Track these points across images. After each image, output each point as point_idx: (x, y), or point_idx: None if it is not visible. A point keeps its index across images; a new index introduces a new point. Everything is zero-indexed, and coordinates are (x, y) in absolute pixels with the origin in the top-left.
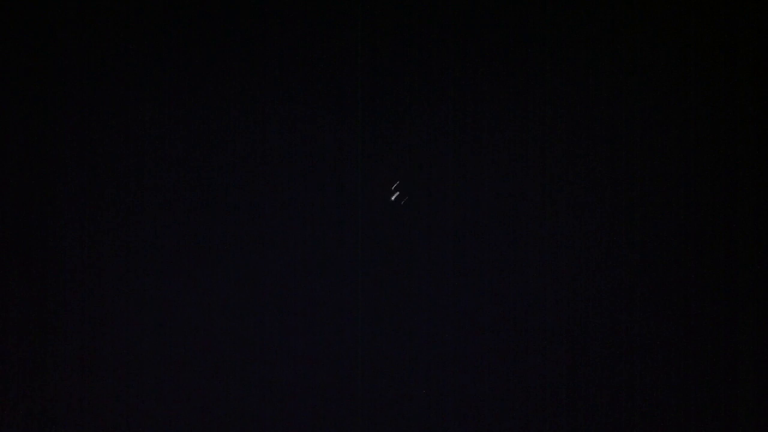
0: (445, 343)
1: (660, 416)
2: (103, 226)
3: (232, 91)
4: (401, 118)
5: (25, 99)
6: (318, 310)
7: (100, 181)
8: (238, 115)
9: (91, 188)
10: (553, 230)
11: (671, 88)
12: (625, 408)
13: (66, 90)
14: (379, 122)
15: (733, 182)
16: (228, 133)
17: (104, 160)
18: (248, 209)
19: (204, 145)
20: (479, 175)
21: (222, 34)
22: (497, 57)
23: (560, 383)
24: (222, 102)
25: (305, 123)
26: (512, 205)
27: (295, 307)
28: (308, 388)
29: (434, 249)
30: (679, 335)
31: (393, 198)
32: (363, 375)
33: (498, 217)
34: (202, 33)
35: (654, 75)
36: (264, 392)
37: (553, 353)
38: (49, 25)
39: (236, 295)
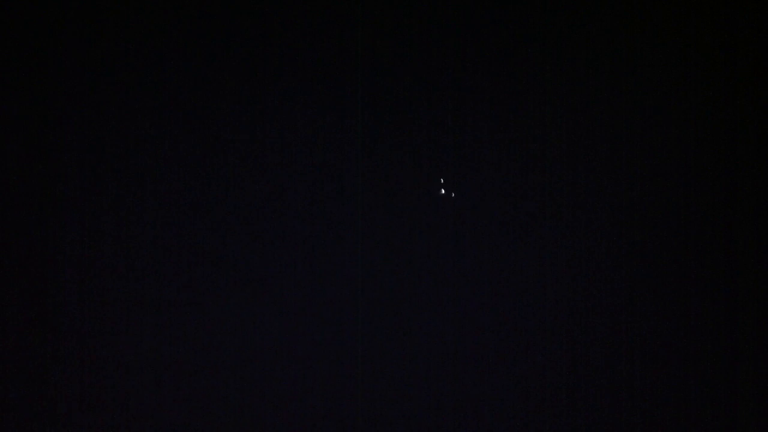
0: (445, 343)
1: (660, 416)
2: (103, 226)
3: (232, 91)
4: (401, 118)
5: (25, 99)
6: (318, 310)
7: (100, 181)
8: (237, 114)
9: (91, 188)
10: (553, 230)
11: (671, 88)
12: (625, 408)
13: (66, 90)
14: (379, 122)
15: (733, 182)
16: (228, 132)
17: (104, 160)
18: (248, 209)
19: (204, 145)
20: (479, 175)
21: (222, 34)
22: (497, 57)
23: (560, 383)
24: (222, 102)
25: (305, 123)
26: (512, 205)
27: (295, 307)
28: (308, 388)
29: (434, 249)
30: (679, 335)
31: (443, 191)
32: (363, 375)
33: (498, 217)
34: (202, 33)
35: (654, 75)
36: (264, 392)
37: (553, 353)
38: (49, 25)
39: (236, 294)
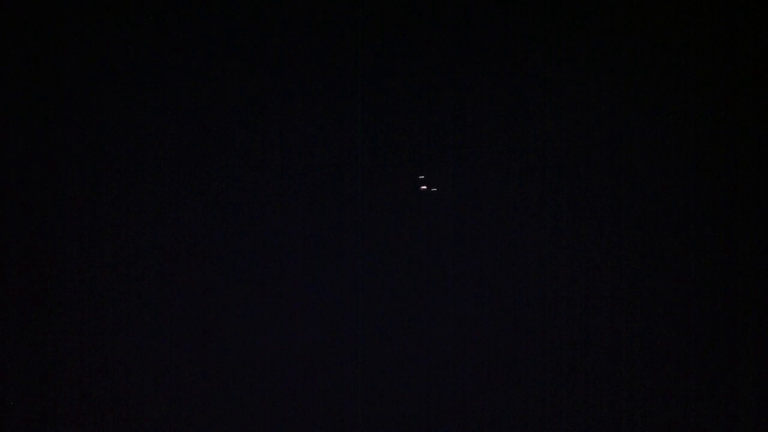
0: (445, 343)
1: (660, 416)
2: (103, 226)
3: (232, 91)
4: (401, 118)
5: (25, 99)
6: (318, 310)
7: (100, 181)
8: (238, 115)
9: (91, 188)
10: (554, 230)
11: (671, 88)
12: (625, 408)
13: (66, 90)
14: (379, 122)
15: (733, 182)
16: (228, 133)
17: (104, 160)
18: (248, 209)
19: (204, 145)
20: (479, 175)
21: (222, 34)
22: (497, 57)
23: (560, 383)
24: (222, 102)
25: (305, 123)
26: (512, 205)
27: (295, 307)
28: (308, 388)
29: (434, 249)
30: (679, 335)
31: (423, 187)
32: (363, 375)
33: (498, 217)
34: (201, 33)
35: (654, 75)
36: (264, 392)
37: (553, 353)
38: (49, 25)
39: (236, 294)
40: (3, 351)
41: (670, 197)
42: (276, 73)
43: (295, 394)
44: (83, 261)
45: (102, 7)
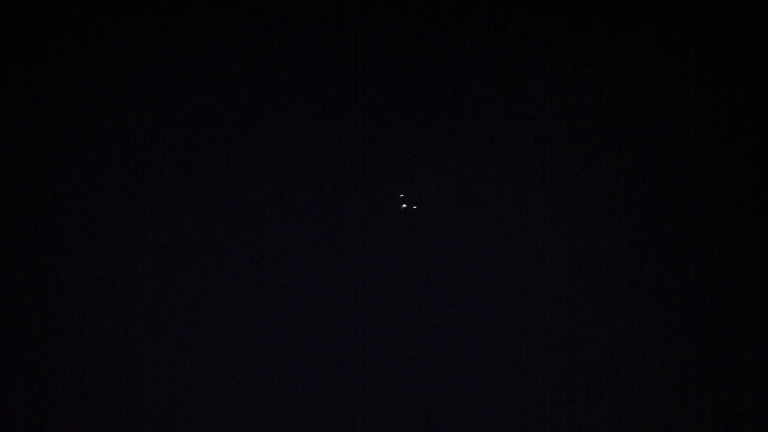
0: (445, 343)
1: (660, 416)
2: (103, 226)
3: (232, 91)
4: (401, 118)
5: (25, 99)
6: (318, 310)
7: (100, 181)
8: (237, 115)
9: (91, 188)
10: (554, 230)
11: (671, 88)
12: (625, 408)
13: (66, 90)
14: (379, 122)
15: (733, 182)
16: (228, 133)
17: (104, 160)
18: (248, 209)
19: (204, 145)
20: (479, 175)
21: (222, 34)
22: (497, 57)
23: (560, 383)
24: (222, 102)
25: (305, 123)
26: (512, 205)
27: (295, 307)
28: (308, 388)
29: (434, 249)
30: (679, 335)
31: (404, 205)
32: (363, 375)
33: (498, 217)
34: (201, 33)
35: (654, 75)
36: (264, 392)
37: (553, 353)
38: (49, 25)
39: (236, 294)
40: (3, 351)
41: (671, 197)
42: (276, 73)
43: (295, 393)
44: (83, 261)
45: (102, 7)
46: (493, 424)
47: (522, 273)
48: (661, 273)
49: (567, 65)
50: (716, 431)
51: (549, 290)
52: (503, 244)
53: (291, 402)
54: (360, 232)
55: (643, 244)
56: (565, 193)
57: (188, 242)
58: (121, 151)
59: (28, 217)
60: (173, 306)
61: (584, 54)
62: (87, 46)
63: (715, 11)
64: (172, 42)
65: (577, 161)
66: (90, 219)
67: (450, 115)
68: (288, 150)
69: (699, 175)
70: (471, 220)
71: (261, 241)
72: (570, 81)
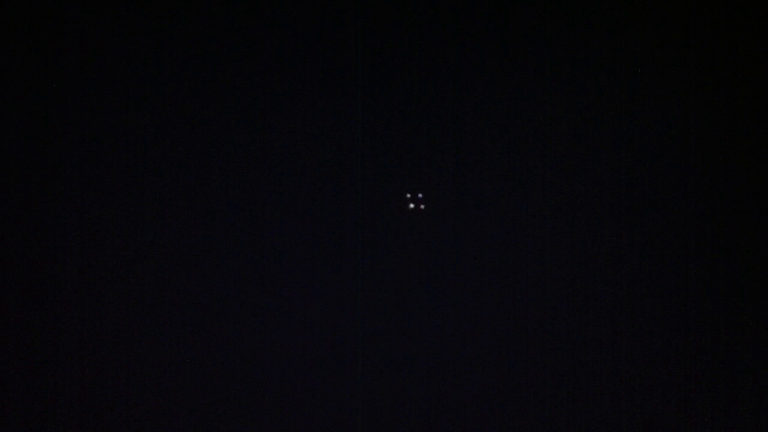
0: (445, 343)
1: (660, 416)
2: (103, 226)
3: (232, 91)
4: (401, 118)
5: (25, 99)
6: (318, 310)
7: (100, 181)
8: (238, 114)
9: (91, 188)
10: (554, 230)
11: (671, 88)
12: (625, 408)
13: (66, 90)
14: (379, 122)
15: (733, 182)
16: (228, 133)
17: (104, 160)
18: (248, 209)
19: (204, 145)
20: (479, 175)
21: (222, 34)
22: (497, 57)
23: (560, 383)
24: (222, 102)
25: (305, 123)
26: (512, 205)
27: (295, 307)
28: (308, 388)
29: (434, 249)
30: (679, 335)
31: (411, 205)
32: (363, 375)
33: (498, 217)
34: (201, 33)
35: (654, 75)
36: (264, 392)
37: (553, 353)
38: (49, 25)
39: (236, 295)
40: (3, 351)
41: (671, 197)
42: (276, 73)
43: (296, 393)
44: (83, 261)
45: (102, 7)
46: (493, 424)
47: (522, 273)
48: (661, 273)
49: (567, 65)
50: (716, 431)
51: (549, 290)
52: (503, 244)
53: (291, 402)
54: (360, 232)
55: (643, 244)
56: (565, 193)
57: (188, 242)
58: (121, 151)
59: (28, 217)
60: (173, 306)
61: (584, 54)
62: (87, 46)
63: (715, 11)
64: (172, 42)
65: (577, 161)
66: (90, 219)
67: (450, 115)
68: (288, 150)
69: (699, 175)
70: (471, 220)
71: (261, 241)
72: (570, 81)
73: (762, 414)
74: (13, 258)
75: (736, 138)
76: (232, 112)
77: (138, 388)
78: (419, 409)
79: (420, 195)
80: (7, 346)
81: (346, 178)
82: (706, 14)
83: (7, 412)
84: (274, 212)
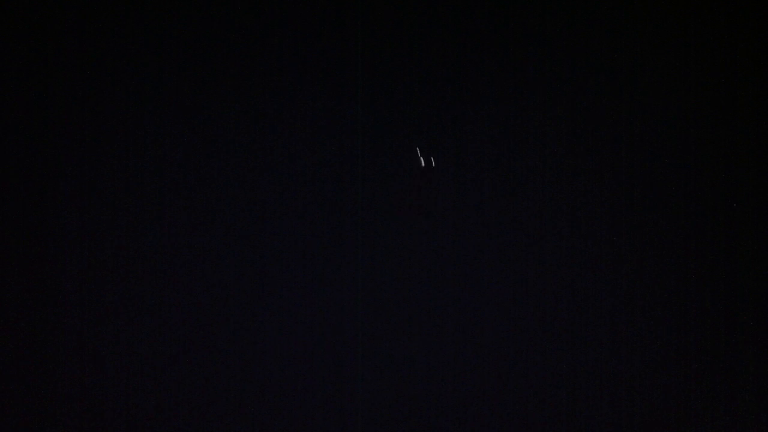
0: (445, 343)
1: (660, 416)
2: (103, 226)
3: (232, 91)
4: (401, 118)
5: (25, 99)
6: (318, 310)
7: (100, 181)
8: (237, 114)
9: (91, 188)
10: (554, 230)
11: (671, 88)
12: (625, 408)
13: (66, 90)
14: (379, 121)
15: (733, 182)
16: (228, 132)
17: (104, 160)
18: (248, 209)
19: (204, 145)
20: (479, 175)
21: (222, 34)
22: (497, 57)
23: (560, 383)
24: (221, 102)
25: (305, 122)
26: (512, 205)
27: (295, 307)
28: (308, 388)
29: (434, 249)
30: (679, 335)
31: (423, 164)
32: (363, 375)
33: (498, 217)
34: (201, 33)
35: (654, 75)
36: (264, 392)
37: (553, 353)
38: (49, 25)
39: (236, 294)
40: (3, 351)
41: (671, 197)
42: (276, 73)
43: (295, 393)
44: (83, 261)
45: (102, 7)
46: (493, 424)
47: (522, 273)
48: (661, 273)
49: (567, 65)
50: (716, 431)
51: (549, 290)
52: (503, 244)
53: (291, 402)
54: (360, 232)
55: (643, 244)
56: (565, 193)
57: (188, 242)
58: (121, 151)
59: (28, 217)
60: (173, 306)
61: (584, 54)
62: (87, 46)
63: (715, 11)
64: (172, 42)
65: (577, 161)
66: (90, 219)
67: (450, 115)
68: (288, 150)
69: (699, 175)
70: (471, 220)
71: (261, 241)
72: (570, 81)
73: (762, 414)
74: (13, 258)
75: (736, 138)
76: (232, 112)
77: (138, 388)
78: (419, 409)
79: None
80: (7, 346)
81: (346, 178)
82: (706, 14)
83: (7, 412)
84: (274, 212)
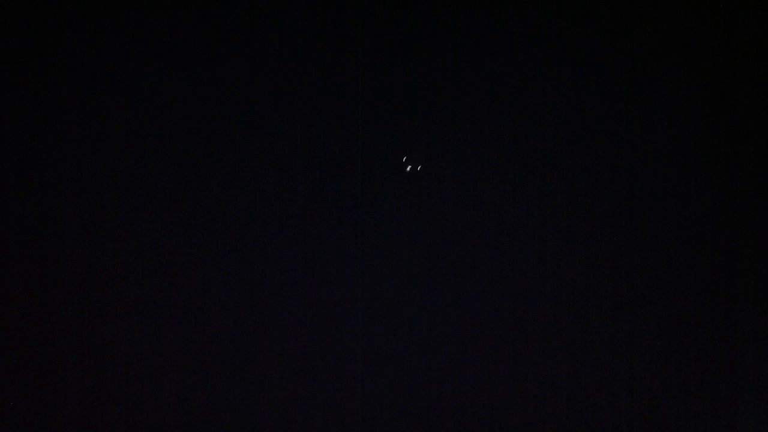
0: (445, 343)
1: (660, 416)
2: (103, 226)
3: (232, 91)
4: (401, 118)
5: (25, 99)
6: (318, 310)
7: (100, 181)
8: (237, 114)
9: (91, 188)
10: (554, 230)
11: (671, 88)
12: (625, 408)
13: (66, 90)
14: (379, 122)
15: (734, 182)
16: (228, 132)
17: (104, 160)
18: (248, 209)
19: (204, 145)
20: (479, 175)
21: (221, 34)
22: (497, 57)
23: (560, 383)
24: (221, 102)
25: (305, 123)
26: (512, 205)
27: (295, 307)
28: (308, 388)
29: (434, 249)
30: (679, 335)
31: (408, 168)
32: (363, 375)
33: (498, 217)
34: (201, 33)
35: (654, 75)
36: (264, 392)
37: (553, 353)
38: (49, 25)
39: (236, 295)
40: (3, 351)
41: (671, 197)
42: (276, 73)
43: (295, 393)
44: (83, 261)
45: (102, 7)
46: (493, 424)
47: (522, 273)
48: (662, 273)
49: (567, 65)
50: (716, 431)
51: (549, 290)
52: (503, 244)
53: (291, 402)
54: (360, 232)
55: (644, 244)
56: (565, 192)
57: (188, 242)
58: (121, 151)
59: (28, 217)
60: (173, 306)
61: (584, 54)
62: (87, 46)
63: (715, 11)
64: (172, 42)
65: (577, 161)
66: (90, 219)
67: (450, 115)
68: (288, 150)
69: (699, 175)
70: (471, 220)
71: (261, 240)
72: (570, 81)
73: (762, 414)
74: (13, 258)
75: (736, 138)
76: (232, 112)
77: (138, 388)
78: (419, 409)
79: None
80: (7, 346)
81: (346, 178)
82: (707, 14)
83: (7, 412)
84: (274, 212)
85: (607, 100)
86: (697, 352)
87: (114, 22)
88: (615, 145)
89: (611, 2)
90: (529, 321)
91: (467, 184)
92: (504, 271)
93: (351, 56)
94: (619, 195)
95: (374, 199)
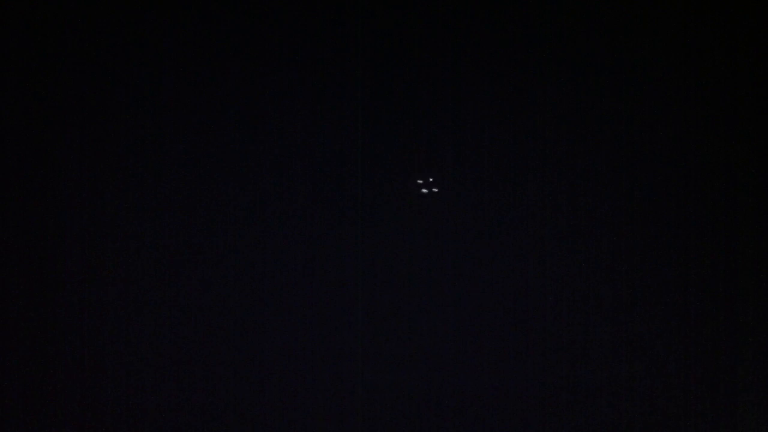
0: (445, 343)
1: (660, 416)
2: (103, 226)
3: (232, 91)
4: (401, 118)
5: (25, 99)
6: (318, 310)
7: (100, 181)
8: (237, 114)
9: (91, 188)
10: (554, 230)
11: (671, 88)
12: (625, 408)
13: (66, 90)
14: (379, 122)
15: (734, 182)
16: (228, 132)
17: (104, 160)
18: (248, 209)
19: (204, 145)
20: (479, 175)
21: (221, 34)
22: (497, 57)
23: (560, 383)
24: (221, 102)
25: (305, 123)
26: (512, 205)
27: (295, 307)
28: (308, 388)
29: (434, 249)
30: (680, 335)
31: (423, 190)
32: (363, 375)
33: (498, 217)
34: (201, 33)
35: (654, 75)
36: (264, 392)
37: (553, 353)
38: (49, 25)
39: (236, 295)
40: (3, 351)
41: (671, 197)
42: (276, 73)
43: (295, 393)
44: (83, 261)
45: (102, 7)
46: (493, 424)
47: (522, 273)
48: (662, 273)
49: (567, 65)
50: (716, 431)
51: (549, 290)
52: (503, 244)
53: (291, 402)
54: (360, 231)
55: (644, 244)
56: (566, 193)
57: (188, 242)
58: (121, 151)
59: (28, 217)
60: (173, 306)
61: (585, 54)
62: (87, 46)
63: (715, 11)
64: (172, 42)
65: (577, 161)
66: (90, 219)
67: (450, 115)
68: (288, 150)
69: (699, 175)
70: (471, 220)
71: (261, 240)
72: (570, 81)
73: (762, 414)
74: (13, 258)
75: (736, 138)
76: (232, 112)
77: (138, 388)
78: (419, 409)
79: (425, 182)
80: (7, 346)
81: (346, 178)
82: (706, 14)
83: (7, 412)
84: (274, 212)
85: (607, 100)
86: (697, 352)
87: (114, 22)
88: (615, 145)
89: (611, 2)
90: (530, 321)
91: (467, 184)
92: (504, 271)
93: (351, 56)
94: (619, 195)
95: (374, 199)
